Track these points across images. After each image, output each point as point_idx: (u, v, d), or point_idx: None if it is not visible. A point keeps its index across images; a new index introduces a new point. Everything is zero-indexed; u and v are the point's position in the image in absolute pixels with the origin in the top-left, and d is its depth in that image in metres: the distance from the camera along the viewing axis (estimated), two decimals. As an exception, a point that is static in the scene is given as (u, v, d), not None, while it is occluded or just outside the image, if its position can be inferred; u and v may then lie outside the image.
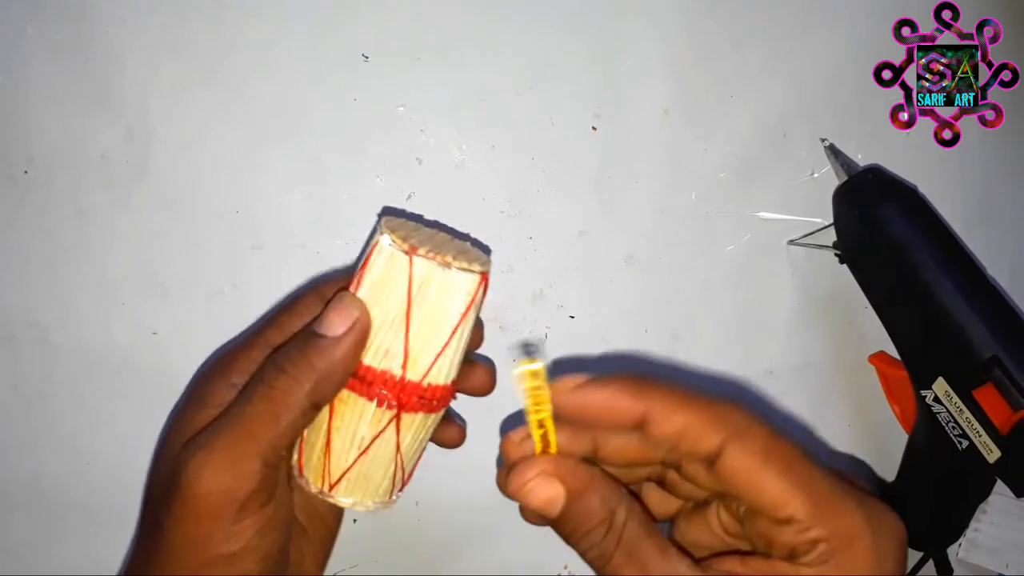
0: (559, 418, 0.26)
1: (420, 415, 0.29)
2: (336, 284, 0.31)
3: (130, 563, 0.30)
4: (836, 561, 0.24)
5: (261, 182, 0.43)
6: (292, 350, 0.27)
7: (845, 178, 0.44)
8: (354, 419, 0.28)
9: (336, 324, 0.27)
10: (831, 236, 0.45)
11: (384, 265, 0.28)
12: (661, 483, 0.30)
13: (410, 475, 0.31)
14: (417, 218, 0.44)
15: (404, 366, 0.28)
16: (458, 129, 0.44)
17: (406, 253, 0.27)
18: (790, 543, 0.24)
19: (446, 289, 0.27)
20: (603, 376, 0.26)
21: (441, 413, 0.30)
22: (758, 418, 0.25)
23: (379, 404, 0.28)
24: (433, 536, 0.45)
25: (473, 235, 0.44)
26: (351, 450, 0.28)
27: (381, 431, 0.28)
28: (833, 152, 0.45)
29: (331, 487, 0.29)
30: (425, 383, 0.28)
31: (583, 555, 0.26)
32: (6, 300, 0.42)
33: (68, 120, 0.42)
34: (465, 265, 0.28)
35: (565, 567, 0.45)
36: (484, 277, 0.29)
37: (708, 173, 0.46)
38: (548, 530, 0.47)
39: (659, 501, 0.30)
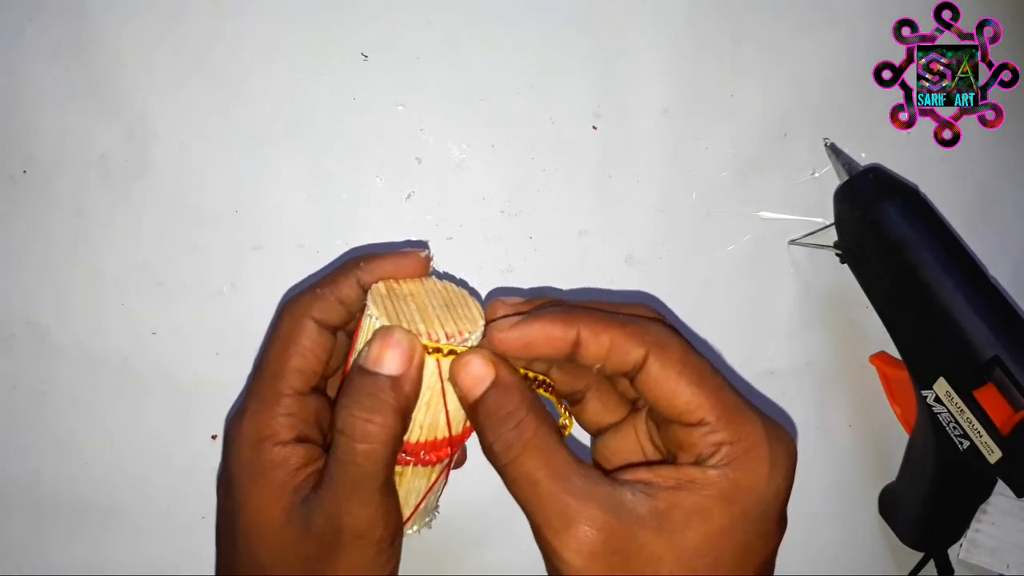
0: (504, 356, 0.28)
1: (421, 467, 0.31)
2: (324, 303, 0.30)
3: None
4: (736, 463, 0.26)
5: (260, 182, 0.43)
6: (366, 400, 0.28)
7: (846, 178, 0.43)
8: (413, 481, 0.30)
9: (398, 362, 0.28)
10: (832, 236, 0.45)
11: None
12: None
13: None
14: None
15: (449, 428, 0.29)
16: (458, 128, 0.44)
17: (431, 355, 0.28)
18: (697, 446, 0.26)
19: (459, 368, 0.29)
20: (531, 312, 0.28)
21: (438, 465, 0.32)
22: (676, 332, 0.28)
23: (433, 466, 0.30)
24: (434, 537, 0.45)
25: (473, 235, 0.44)
26: (412, 500, 0.31)
27: (437, 478, 0.31)
28: (834, 152, 0.45)
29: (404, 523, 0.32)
30: (467, 425, 0.30)
31: (489, 447, 0.26)
32: (5, 300, 0.42)
33: (67, 120, 0.42)
34: (473, 329, 0.29)
35: (565, 568, 0.45)
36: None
37: (708, 173, 0.46)
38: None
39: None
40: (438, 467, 0.31)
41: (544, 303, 0.30)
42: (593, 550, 0.25)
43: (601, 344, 0.27)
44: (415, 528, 0.32)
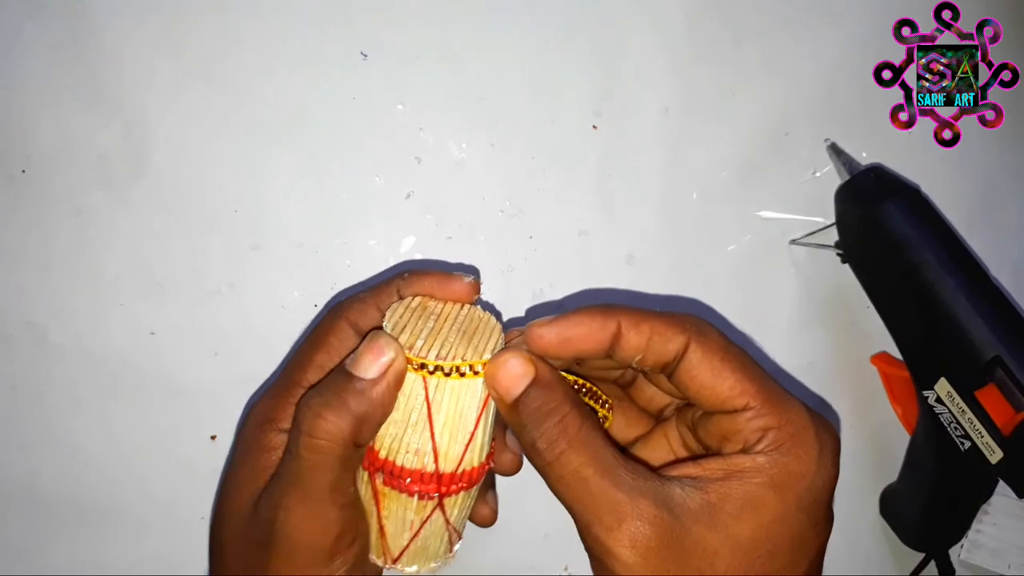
0: (544, 357, 0.28)
1: (462, 494, 0.30)
2: (363, 306, 0.31)
3: None
4: (785, 448, 0.25)
5: (259, 181, 0.43)
6: (329, 395, 0.27)
7: (847, 177, 0.43)
8: (400, 510, 0.29)
9: (372, 367, 0.27)
10: (833, 236, 0.45)
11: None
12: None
13: (462, 529, 0.32)
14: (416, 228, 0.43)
15: (436, 461, 0.28)
16: (458, 128, 0.44)
17: (416, 371, 0.27)
18: (743, 432, 0.26)
19: (459, 395, 0.28)
20: (565, 312, 0.28)
21: (481, 482, 0.31)
22: (713, 325, 0.28)
23: (420, 498, 0.29)
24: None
25: (473, 235, 0.44)
26: (404, 533, 0.30)
27: (428, 516, 0.29)
28: (835, 151, 0.45)
29: (395, 560, 0.30)
30: (460, 471, 0.29)
31: (532, 445, 0.26)
32: (4, 300, 0.42)
33: (66, 120, 0.42)
34: (475, 360, 0.28)
35: (565, 568, 0.45)
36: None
37: (709, 172, 0.46)
38: (549, 531, 0.47)
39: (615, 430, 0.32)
40: (428, 503, 0.29)
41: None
42: (647, 546, 0.24)
43: (641, 334, 0.27)
44: (414, 568, 0.31)
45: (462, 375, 0.28)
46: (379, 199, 0.44)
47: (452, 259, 0.44)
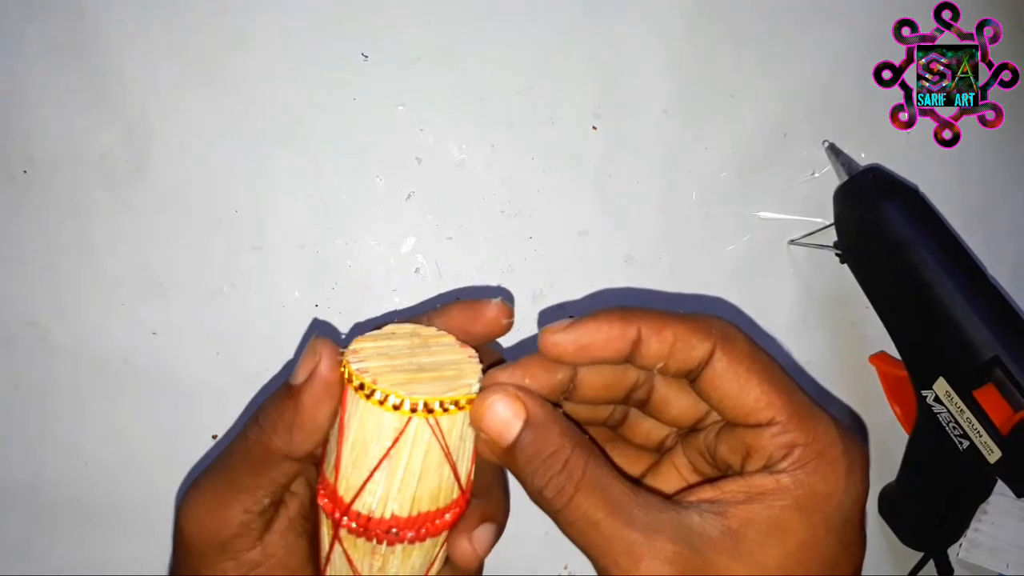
0: (557, 361, 0.25)
1: (363, 540, 0.26)
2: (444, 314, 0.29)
3: None
4: (811, 467, 0.24)
5: (260, 182, 0.43)
6: (267, 402, 0.27)
7: (846, 178, 0.43)
8: (338, 551, 0.27)
9: (300, 372, 0.26)
10: (832, 236, 0.45)
11: (355, 414, 0.26)
12: (620, 427, 0.30)
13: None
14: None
15: (336, 479, 0.26)
16: (458, 128, 0.44)
17: (349, 382, 0.25)
18: (767, 448, 0.24)
19: (369, 421, 0.25)
20: (583, 316, 0.26)
21: (399, 547, 0.27)
22: (740, 329, 0.26)
23: (366, 539, 0.26)
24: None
25: (473, 235, 0.44)
26: (341, 566, 0.27)
27: (372, 557, 0.27)
28: (834, 152, 0.45)
29: None
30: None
31: (538, 495, 0.24)
32: (6, 300, 0.42)
33: (68, 120, 0.42)
34: (444, 397, 0.25)
35: (565, 567, 0.45)
36: (432, 413, 0.25)
37: (708, 173, 0.46)
38: (548, 531, 0.47)
39: (623, 460, 0.30)
40: (379, 546, 0.26)
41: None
42: None
43: (664, 340, 0.25)
44: None
45: (382, 402, 0.25)
46: (380, 200, 0.44)
47: (452, 259, 0.44)
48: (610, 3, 0.45)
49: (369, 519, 0.26)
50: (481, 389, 0.26)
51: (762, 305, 0.47)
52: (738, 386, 0.24)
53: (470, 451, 0.27)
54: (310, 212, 0.43)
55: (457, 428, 0.26)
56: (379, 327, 0.28)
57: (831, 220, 0.45)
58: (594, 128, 0.45)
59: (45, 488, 0.42)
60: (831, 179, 0.45)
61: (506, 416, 0.24)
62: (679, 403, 0.27)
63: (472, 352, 0.27)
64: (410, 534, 0.26)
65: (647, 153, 0.46)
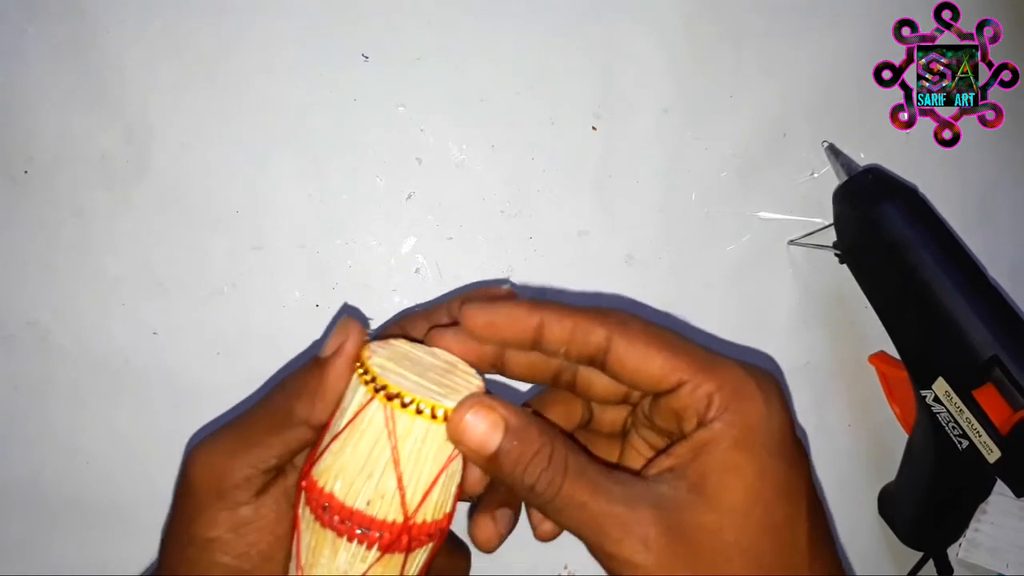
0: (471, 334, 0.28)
1: (310, 512, 0.27)
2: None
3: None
4: (734, 407, 0.26)
5: (261, 182, 0.43)
6: (294, 372, 0.29)
7: (845, 178, 0.43)
8: (326, 551, 0.27)
9: (328, 347, 0.28)
10: (831, 236, 0.45)
11: (361, 408, 0.26)
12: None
13: None
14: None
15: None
16: (458, 129, 0.44)
17: (386, 402, 0.26)
18: (691, 407, 0.26)
19: (349, 394, 0.27)
20: (500, 300, 0.28)
21: (330, 535, 0.27)
22: (635, 315, 0.28)
23: (348, 539, 0.26)
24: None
25: (473, 235, 0.44)
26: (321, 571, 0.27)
27: (367, 570, 0.27)
28: (833, 152, 0.45)
29: None
30: (313, 471, 0.27)
31: (528, 491, 0.26)
32: (6, 300, 0.42)
33: (68, 120, 0.42)
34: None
35: (565, 567, 0.45)
36: (391, 401, 0.26)
37: (708, 173, 0.46)
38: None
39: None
40: (381, 559, 0.26)
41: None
42: (658, 546, 0.25)
43: (564, 327, 0.27)
44: None
45: (424, 414, 0.25)
46: (380, 200, 0.44)
47: (452, 259, 0.44)
48: (610, 3, 0.45)
49: (315, 487, 0.26)
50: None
51: (761, 305, 0.47)
52: (640, 359, 0.27)
53: (427, 476, 0.26)
54: (310, 212, 0.43)
55: (414, 437, 0.26)
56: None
57: (831, 220, 0.45)
58: (594, 128, 0.45)
59: (45, 488, 0.42)
60: (831, 179, 0.45)
61: (484, 428, 0.26)
62: (600, 382, 0.30)
63: (480, 385, 0.28)
64: (337, 520, 0.26)
65: (647, 153, 0.46)
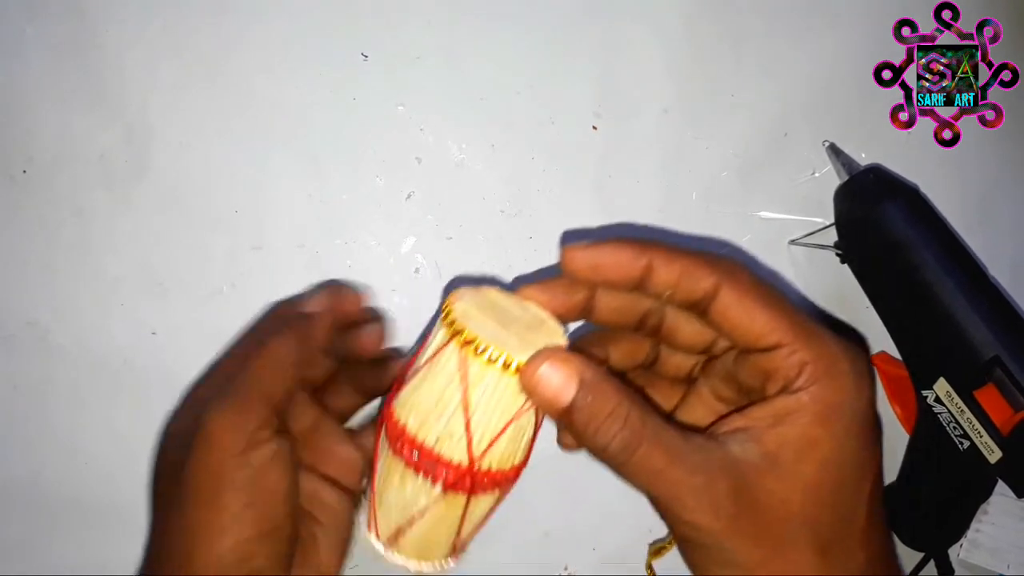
0: (572, 277, 0.28)
1: (481, 497, 0.28)
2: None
3: (154, 521, 0.33)
4: (823, 381, 0.26)
5: (260, 182, 0.43)
6: (287, 319, 0.34)
7: (846, 178, 0.43)
8: (403, 485, 0.28)
9: (313, 303, 0.35)
10: (832, 236, 0.45)
11: (440, 349, 0.27)
12: (650, 365, 0.32)
13: (468, 539, 0.30)
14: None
15: (470, 452, 0.27)
16: (458, 128, 0.44)
17: (461, 347, 0.26)
18: (781, 370, 0.26)
19: (435, 335, 0.28)
20: (604, 239, 0.28)
21: (504, 495, 0.29)
22: (744, 265, 0.28)
23: (427, 479, 0.27)
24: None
25: (473, 235, 0.44)
26: (399, 511, 0.28)
27: (431, 505, 0.28)
28: (834, 152, 0.45)
29: (387, 541, 0.29)
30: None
31: (602, 451, 0.25)
32: (5, 300, 0.42)
33: (68, 120, 0.42)
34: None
35: (565, 568, 0.45)
36: (467, 346, 0.26)
37: (708, 173, 0.46)
38: (548, 531, 0.47)
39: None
40: (444, 496, 0.27)
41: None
42: (729, 513, 0.25)
43: (672, 271, 0.27)
44: (402, 559, 0.29)
45: (496, 363, 0.26)
46: (380, 200, 0.44)
47: (452, 259, 0.44)
48: (610, 3, 0.45)
49: (392, 417, 0.27)
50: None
51: (762, 305, 0.47)
52: (744, 314, 0.27)
53: (495, 425, 0.27)
54: (310, 212, 0.43)
55: (485, 385, 0.26)
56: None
57: (831, 220, 0.45)
58: (594, 128, 0.45)
59: (45, 488, 0.42)
60: (831, 179, 0.45)
61: (558, 380, 0.25)
62: (687, 330, 0.30)
63: (563, 342, 0.28)
64: (407, 451, 0.27)
65: (647, 153, 0.46)
